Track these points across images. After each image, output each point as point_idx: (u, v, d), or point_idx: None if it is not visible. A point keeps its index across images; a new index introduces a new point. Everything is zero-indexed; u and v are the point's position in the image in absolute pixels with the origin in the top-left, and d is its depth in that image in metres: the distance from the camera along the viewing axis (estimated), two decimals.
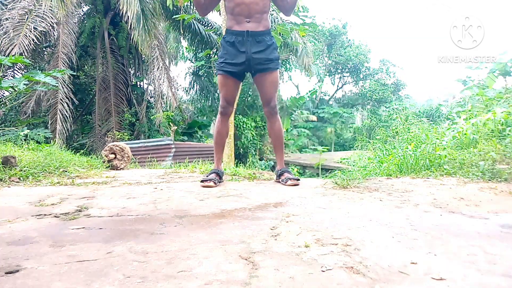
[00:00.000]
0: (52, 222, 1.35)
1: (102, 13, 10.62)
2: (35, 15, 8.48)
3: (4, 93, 9.40)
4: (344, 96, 25.39)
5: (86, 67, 11.88)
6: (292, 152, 14.78)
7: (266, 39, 2.25)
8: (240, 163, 6.56)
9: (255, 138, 11.81)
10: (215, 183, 2.20)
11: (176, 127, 10.92)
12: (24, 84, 3.36)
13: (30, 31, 8.13)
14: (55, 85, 3.50)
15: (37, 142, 4.62)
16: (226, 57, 2.26)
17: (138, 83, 12.71)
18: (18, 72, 10.34)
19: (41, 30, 8.45)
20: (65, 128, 9.05)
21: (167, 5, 6.22)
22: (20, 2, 8.68)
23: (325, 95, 25.03)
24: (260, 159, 12.26)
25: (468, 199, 1.68)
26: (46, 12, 8.54)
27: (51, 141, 7.06)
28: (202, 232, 1.20)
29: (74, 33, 9.69)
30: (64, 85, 9.13)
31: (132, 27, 8.52)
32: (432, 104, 21.76)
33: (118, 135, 9.80)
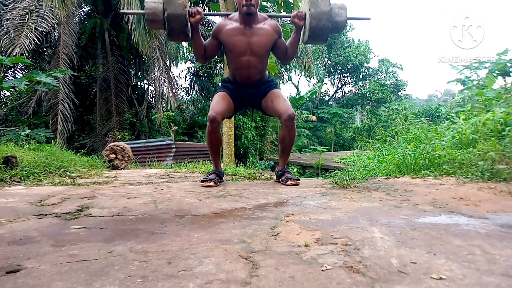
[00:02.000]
0: (53, 221, 1.35)
1: (102, 13, 10.64)
2: (36, 16, 8.49)
3: (5, 93, 9.42)
4: (344, 96, 25.38)
5: (87, 67, 11.90)
6: (292, 152, 14.78)
7: (265, 84, 2.39)
8: (240, 163, 6.57)
9: (255, 138, 11.80)
10: (215, 183, 2.21)
11: (177, 127, 10.93)
12: (25, 84, 3.37)
13: (31, 32, 8.14)
14: (56, 85, 3.51)
15: (38, 142, 4.63)
16: (228, 86, 2.41)
17: (139, 83, 12.72)
18: (19, 72, 10.35)
19: (42, 31, 8.46)
20: (66, 128, 9.06)
21: None
22: (21, 2, 8.69)
23: (324, 95, 25.02)
24: (260, 159, 12.25)
25: (467, 199, 1.69)
26: (46, 13, 8.56)
27: (52, 141, 7.06)
28: (203, 232, 1.20)
29: (75, 34, 9.70)
30: (65, 85, 9.15)
31: (132, 28, 8.53)
32: (432, 104, 21.75)
33: (118, 135, 9.81)
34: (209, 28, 11.58)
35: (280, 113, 2.25)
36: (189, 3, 2.15)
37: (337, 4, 2.21)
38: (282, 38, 2.35)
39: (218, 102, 2.30)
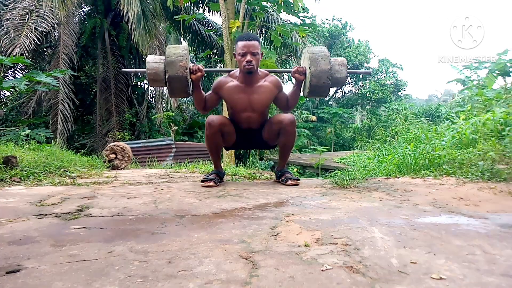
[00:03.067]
0: (53, 221, 1.35)
1: (102, 13, 10.62)
2: (36, 16, 8.48)
3: (5, 93, 9.42)
4: (344, 96, 25.38)
5: (87, 67, 11.89)
6: (292, 152, 14.77)
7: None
8: (240, 163, 6.56)
9: None
10: (215, 183, 2.21)
11: (177, 127, 10.92)
12: (25, 84, 3.37)
13: (31, 32, 8.13)
14: (56, 85, 3.51)
15: (38, 142, 4.63)
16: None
17: (139, 83, 12.71)
18: (19, 72, 10.35)
19: (42, 31, 8.46)
20: (66, 128, 9.06)
21: (168, 5, 6.22)
22: (21, 2, 8.68)
23: None
24: (260, 159, 12.24)
25: (467, 199, 1.69)
26: (46, 13, 8.55)
27: (52, 141, 7.06)
28: (203, 232, 1.20)
29: (75, 34, 9.69)
30: (65, 85, 9.14)
31: (132, 28, 8.52)
32: (432, 104, 21.75)
33: (118, 135, 9.80)
34: (208, 28, 11.56)
35: (280, 119, 2.24)
36: (189, 59, 2.17)
37: (338, 61, 2.23)
38: (283, 91, 2.38)
39: (223, 122, 2.31)
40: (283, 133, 2.27)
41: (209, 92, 2.36)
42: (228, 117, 2.46)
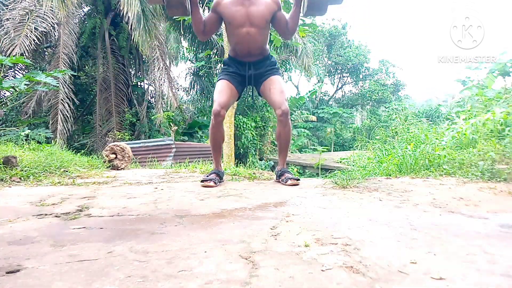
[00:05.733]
0: (53, 221, 1.35)
1: (102, 13, 10.63)
2: (36, 16, 8.49)
3: (5, 93, 9.41)
4: (344, 96, 25.40)
5: (86, 67, 11.90)
6: (292, 152, 14.78)
7: (266, 62, 2.38)
8: (240, 163, 6.56)
9: (255, 138, 11.79)
10: (215, 183, 2.21)
11: (177, 127, 10.92)
12: (25, 84, 3.36)
13: (31, 32, 8.14)
14: (55, 86, 3.51)
15: (38, 142, 4.63)
16: (229, 69, 2.40)
17: (139, 83, 12.72)
18: (19, 72, 10.34)
19: (42, 31, 8.47)
20: (66, 128, 9.06)
21: None
22: (21, 2, 8.69)
23: (324, 96, 25.02)
24: (260, 159, 12.24)
25: (467, 199, 1.69)
26: (46, 13, 8.56)
27: (52, 141, 7.06)
28: (203, 232, 1.20)
29: (75, 34, 9.70)
30: (65, 85, 9.14)
31: (132, 28, 8.53)
32: (432, 104, 21.76)
33: (118, 135, 9.81)
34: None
35: (275, 106, 2.26)
36: None
37: None
38: (283, 12, 2.34)
39: (220, 92, 2.29)
40: (278, 123, 2.31)
41: (209, 13, 2.34)
42: (229, 50, 2.44)
